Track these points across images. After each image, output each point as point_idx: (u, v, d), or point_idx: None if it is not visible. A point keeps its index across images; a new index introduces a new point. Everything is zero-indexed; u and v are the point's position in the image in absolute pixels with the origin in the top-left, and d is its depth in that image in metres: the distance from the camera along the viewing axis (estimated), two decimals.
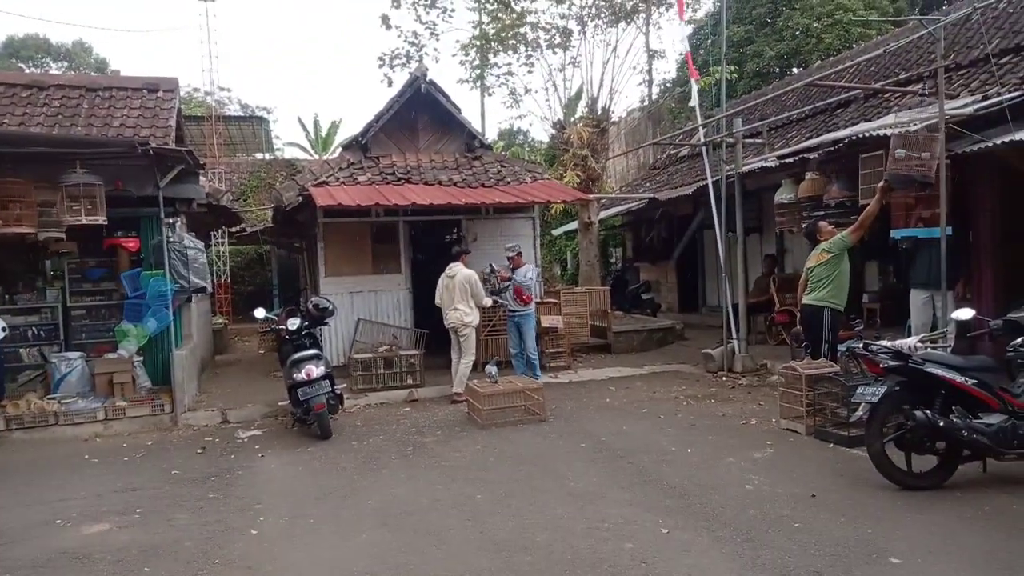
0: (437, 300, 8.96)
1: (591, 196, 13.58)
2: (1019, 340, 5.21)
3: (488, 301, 9.00)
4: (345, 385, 8.36)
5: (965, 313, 5.72)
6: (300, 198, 10.95)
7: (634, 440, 6.64)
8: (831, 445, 6.08)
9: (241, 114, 27.88)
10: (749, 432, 6.74)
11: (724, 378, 9.38)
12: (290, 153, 27.88)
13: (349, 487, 5.65)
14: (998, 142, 6.98)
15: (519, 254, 9.46)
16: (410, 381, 9.45)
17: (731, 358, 9.77)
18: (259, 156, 24.68)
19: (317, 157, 25.06)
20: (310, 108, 63.88)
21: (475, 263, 11.43)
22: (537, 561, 4.11)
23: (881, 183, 7.16)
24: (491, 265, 9.70)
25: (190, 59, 62.09)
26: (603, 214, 16.44)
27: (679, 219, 15.93)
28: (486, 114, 38.92)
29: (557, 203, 12.78)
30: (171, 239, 8.24)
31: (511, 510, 4.94)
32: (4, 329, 8.03)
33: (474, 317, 8.78)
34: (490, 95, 21.66)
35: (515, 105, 16.41)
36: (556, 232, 20.33)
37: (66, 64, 34.96)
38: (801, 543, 4.15)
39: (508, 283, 9.28)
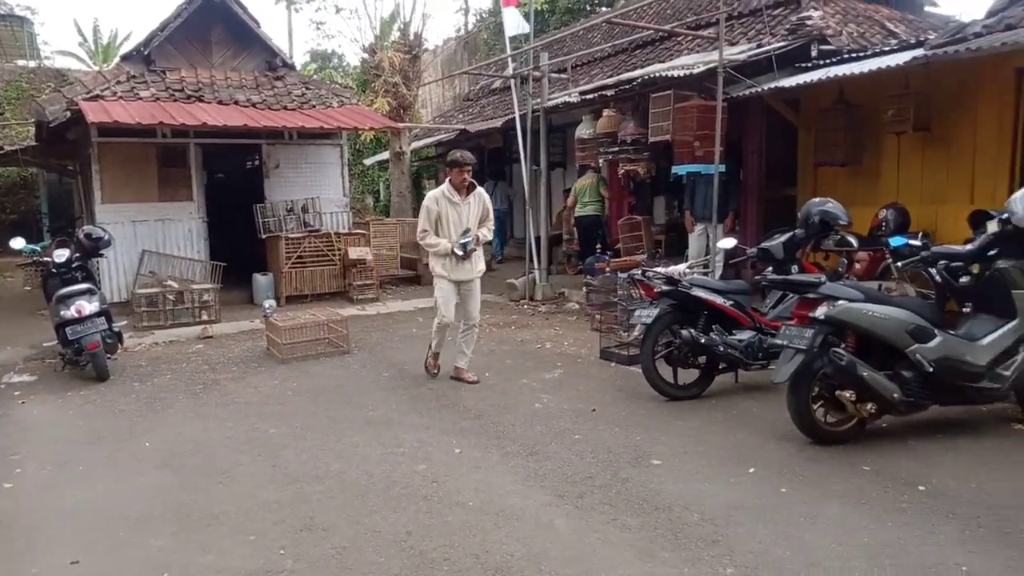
0: None
1: (400, 124, 13.31)
2: (769, 267, 5.94)
3: (429, 240, 6.11)
4: (126, 322, 7.68)
5: (728, 243, 6.44)
6: (68, 113, 9.67)
7: None
8: (613, 364, 6.61)
9: None
10: (543, 355, 7.13)
11: (525, 306, 9.80)
12: (63, 63, 24.28)
13: (127, 430, 5.26)
14: (766, 87, 7.74)
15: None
16: (205, 317, 8.90)
17: (532, 287, 10.18)
18: (20, 63, 21.27)
19: (98, 69, 22.08)
20: (89, 12, 55.88)
21: (277, 191, 10.90)
22: (329, 489, 4.12)
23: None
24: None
25: None
26: (415, 144, 16.20)
27: (490, 152, 16.10)
28: (294, 33, 36.35)
29: (365, 130, 12.38)
30: None
31: (306, 442, 4.88)
32: None
33: (432, 259, 6.30)
34: (297, 11, 20.26)
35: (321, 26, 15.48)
36: (368, 162, 19.75)
37: None
38: (579, 452, 4.51)
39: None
